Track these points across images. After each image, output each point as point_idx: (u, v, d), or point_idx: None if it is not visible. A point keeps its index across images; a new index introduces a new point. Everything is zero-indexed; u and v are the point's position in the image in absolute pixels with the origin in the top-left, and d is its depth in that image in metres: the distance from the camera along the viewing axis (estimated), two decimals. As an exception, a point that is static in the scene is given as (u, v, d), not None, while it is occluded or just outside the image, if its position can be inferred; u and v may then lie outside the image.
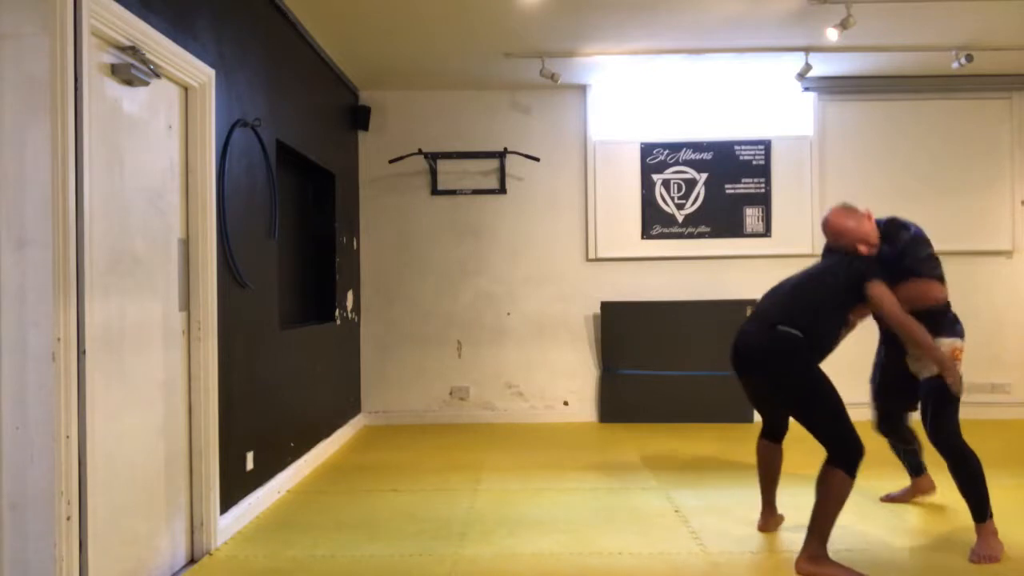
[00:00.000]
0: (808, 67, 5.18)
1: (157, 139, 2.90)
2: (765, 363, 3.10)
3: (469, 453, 4.90)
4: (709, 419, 5.59)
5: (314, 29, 4.59)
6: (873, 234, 3.24)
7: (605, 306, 5.80)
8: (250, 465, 3.63)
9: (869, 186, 5.87)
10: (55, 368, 2.19)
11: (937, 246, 6.09)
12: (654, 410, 5.67)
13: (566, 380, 5.95)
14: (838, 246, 3.28)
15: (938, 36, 4.86)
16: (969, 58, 4.96)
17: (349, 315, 5.62)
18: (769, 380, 3.13)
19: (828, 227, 3.30)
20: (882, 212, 5.89)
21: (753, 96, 5.91)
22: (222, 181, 3.31)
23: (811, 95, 5.88)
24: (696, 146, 5.93)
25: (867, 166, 5.90)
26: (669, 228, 5.92)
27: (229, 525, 3.35)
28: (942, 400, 3.09)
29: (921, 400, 3.20)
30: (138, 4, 2.65)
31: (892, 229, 3.30)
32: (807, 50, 5.06)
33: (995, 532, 3.04)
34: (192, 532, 3.13)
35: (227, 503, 3.36)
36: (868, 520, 3.48)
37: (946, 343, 3.16)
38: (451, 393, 5.97)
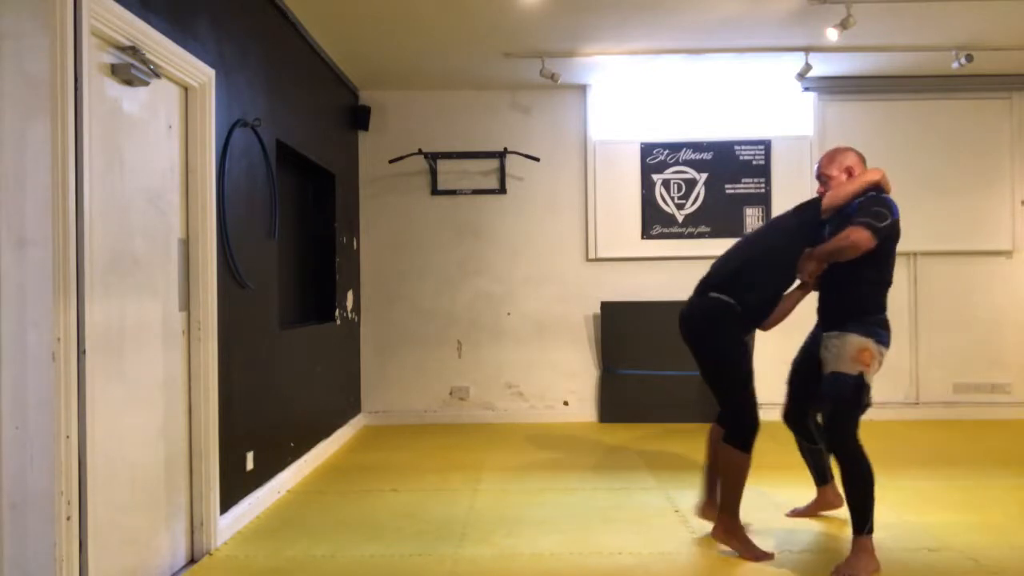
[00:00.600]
0: (808, 67, 5.18)
1: (157, 139, 2.90)
2: (692, 330, 3.14)
3: (469, 453, 4.90)
4: (709, 419, 5.56)
5: (314, 29, 4.59)
6: (837, 190, 3.10)
7: (605, 306, 5.80)
8: (250, 465, 3.63)
9: (869, 186, 5.87)
10: (55, 368, 2.19)
11: (937, 246, 6.08)
12: (654, 410, 5.67)
13: (566, 380, 5.95)
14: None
15: (938, 36, 4.86)
16: (969, 58, 4.96)
17: (349, 315, 5.62)
18: (694, 346, 3.15)
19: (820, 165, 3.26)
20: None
21: (753, 96, 5.91)
22: (222, 181, 3.31)
23: (811, 95, 5.88)
24: (696, 146, 5.93)
25: (867, 166, 5.89)
26: (669, 228, 5.92)
27: (229, 525, 3.35)
28: (846, 399, 2.91)
29: (824, 395, 3.01)
30: (138, 4, 2.65)
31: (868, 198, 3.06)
32: (807, 50, 5.06)
33: (871, 551, 2.86)
34: (192, 532, 3.13)
35: (227, 503, 3.36)
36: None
37: (855, 341, 2.95)
38: (451, 393, 5.97)
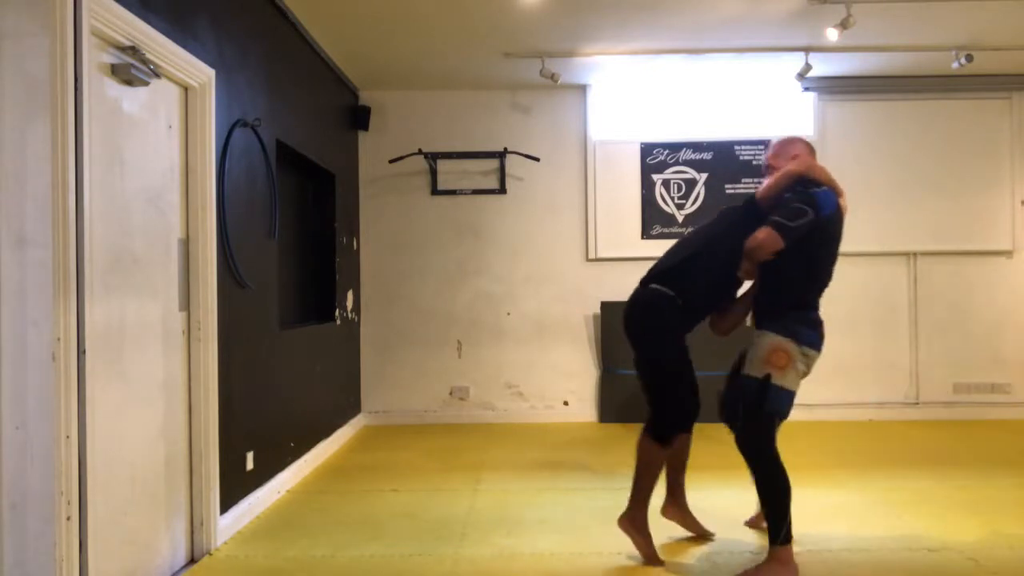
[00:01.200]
0: (808, 67, 5.18)
1: (157, 139, 2.90)
2: (632, 321, 3.06)
3: (469, 453, 4.90)
4: (709, 419, 5.57)
5: (314, 29, 4.59)
6: (767, 184, 3.00)
7: (605, 306, 5.79)
8: (250, 465, 3.63)
9: (869, 186, 5.87)
10: (55, 368, 2.19)
11: (937, 246, 6.07)
12: (654, 410, 5.65)
13: (566, 380, 5.95)
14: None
15: (938, 36, 4.86)
16: (969, 58, 4.96)
17: (349, 315, 5.62)
18: (633, 338, 3.06)
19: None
20: (882, 212, 5.95)
21: (753, 96, 5.91)
22: (222, 181, 3.31)
23: (811, 95, 5.88)
24: (696, 146, 5.93)
25: (867, 166, 5.90)
26: (669, 228, 5.92)
27: (229, 525, 3.35)
28: (748, 403, 2.80)
29: (741, 398, 2.87)
30: (138, 4, 2.65)
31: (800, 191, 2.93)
32: (807, 50, 5.06)
33: (786, 561, 2.75)
34: (192, 532, 3.13)
35: (227, 503, 3.36)
36: (866, 522, 3.48)
37: (769, 341, 2.81)
38: (451, 393, 5.97)
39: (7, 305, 2.18)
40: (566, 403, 5.95)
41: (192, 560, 3.11)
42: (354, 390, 5.80)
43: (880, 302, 5.90)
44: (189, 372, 3.12)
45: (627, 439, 5.26)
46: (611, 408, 5.80)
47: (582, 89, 5.91)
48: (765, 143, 5.91)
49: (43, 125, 2.19)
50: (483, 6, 4.30)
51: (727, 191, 5.91)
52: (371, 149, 5.95)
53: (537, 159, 5.88)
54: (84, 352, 2.31)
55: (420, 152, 5.83)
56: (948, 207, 5.88)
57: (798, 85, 5.74)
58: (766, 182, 3.03)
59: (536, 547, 3.17)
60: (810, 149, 3.14)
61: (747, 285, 3.16)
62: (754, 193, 3.09)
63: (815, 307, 2.93)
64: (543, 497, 3.89)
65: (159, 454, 2.90)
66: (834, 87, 5.81)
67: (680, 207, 5.93)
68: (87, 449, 2.31)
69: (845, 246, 6.22)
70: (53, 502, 2.19)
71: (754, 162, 5.92)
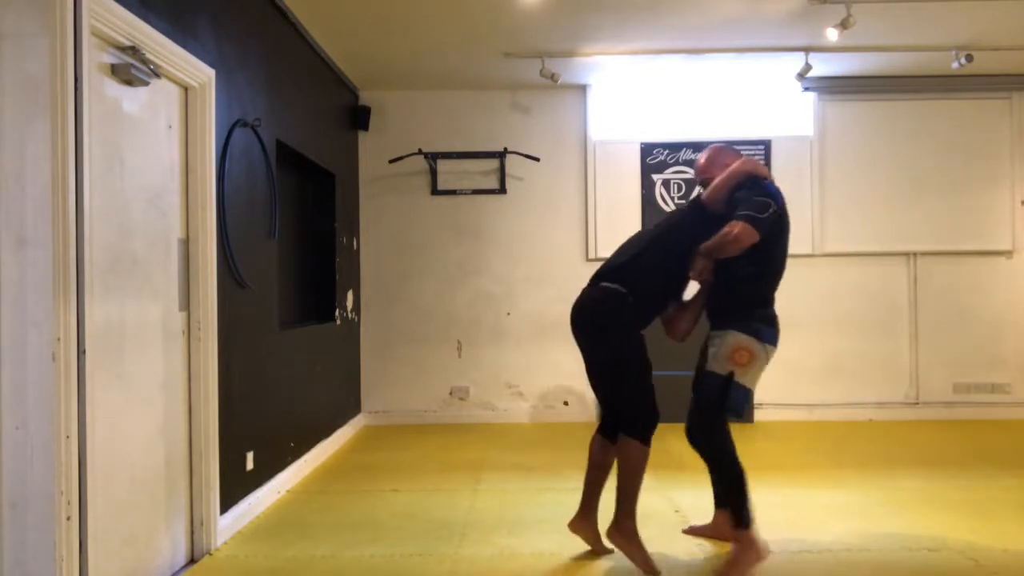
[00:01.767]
0: (808, 67, 5.18)
1: (157, 139, 2.90)
2: (585, 321, 2.96)
3: (469, 453, 4.90)
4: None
5: (314, 29, 4.59)
6: (715, 184, 2.97)
7: (605, 306, 5.79)
8: (250, 465, 3.63)
9: (869, 186, 5.88)
10: (55, 368, 2.19)
11: (937, 246, 6.07)
12: (654, 410, 5.65)
13: (566, 380, 5.95)
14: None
15: (938, 36, 4.86)
16: (969, 58, 4.96)
17: (349, 315, 5.62)
18: (586, 337, 2.97)
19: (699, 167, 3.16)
20: (882, 212, 5.94)
21: (753, 96, 5.91)
22: (222, 181, 3.31)
23: (811, 95, 5.88)
24: (696, 146, 5.93)
25: (867, 166, 5.91)
26: (669, 228, 5.91)
27: (229, 525, 3.35)
28: (710, 400, 2.84)
29: (700, 393, 2.93)
30: (138, 4, 2.65)
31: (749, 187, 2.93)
32: (807, 50, 5.06)
33: (751, 541, 2.82)
34: (192, 532, 3.13)
35: (227, 503, 3.36)
36: (866, 522, 3.48)
37: (733, 339, 2.84)
38: (451, 393, 5.97)
39: (7, 305, 2.18)
40: (566, 403, 5.95)
41: (192, 560, 3.11)
42: (354, 390, 5.80)
43: (880, 302, 5.90)
44: (189, 372, 3.12)
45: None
46: (611, 408, 5.80)
47: (582, 89, 5.91)
48: (765, 143, 5.91)
49: (43, 125, 2.19)
50: (483, 6, 4.30)
51: (727, 191, 5.91)
52: (371, 149, 5.95)
53: (537, 159, 5.88)
54: (84, 352, 2.31)
55: (420, 152, 5.83)
56: (948, 207, 5.88)
57: (798, 85, 5.74)
58: (713, 185, 2.99)
59: (536, 547, 3.17)
60: (739, 155, 3.14)
61: (692, 288, 3.11)
62: (699, 195, 3.08)
63: (772, 303, 2.96)
64: (543, 497, 3.89)
65: (159, 454, 2.90)
66: (834, 87, 5.81)
67: (680, 207, 5.92)
68: (87, 449, 2.31)
69: (845, 246, 6.24)
70: (53, 502, 2.19)
71: (754, 162, 5.92)
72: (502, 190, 5.95)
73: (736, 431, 3.03)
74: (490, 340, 5.96)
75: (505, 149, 5.89)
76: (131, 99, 2.72)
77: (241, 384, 3.53)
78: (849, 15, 4.22)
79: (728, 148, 3.19)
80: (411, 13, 4.38)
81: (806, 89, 5.81)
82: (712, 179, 3.04)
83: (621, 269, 2.97)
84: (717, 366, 2.87)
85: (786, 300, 5.73)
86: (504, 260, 5.97)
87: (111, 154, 2.59)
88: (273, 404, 3.97)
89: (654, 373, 2.97)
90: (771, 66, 5.42)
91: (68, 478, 2.22)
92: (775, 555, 3.03)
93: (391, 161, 5.85)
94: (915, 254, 5.88)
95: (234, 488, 3.44)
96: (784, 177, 5.90)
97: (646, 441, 2.88)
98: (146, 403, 2.81)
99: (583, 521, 3.08)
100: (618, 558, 3.03)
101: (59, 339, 2.20)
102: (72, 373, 2.25)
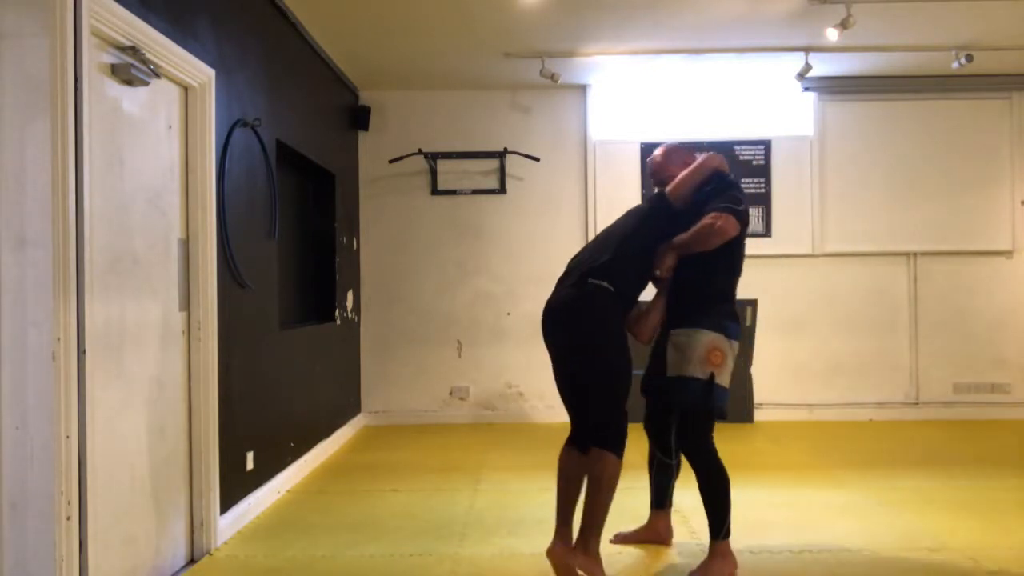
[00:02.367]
0: (808, 67, 5.18)
1: (157, 139, 2.90)
2: (569, 321, 2.79)
3: (469, 453, 4.90)
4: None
5: (314, 29, 4.59)
6: (680, 179, 2.90)
7: (605, 306, 5.78)
8: (250, 465, 3.63)
9: (869, 186, 5.88)
10: (55, 368, 2.19)
11: (937, 246, 6.08)
12: (654, 410, 5.65)
13: (566, 380, 5.94)
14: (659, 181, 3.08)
15: (938, 36, 4.86)
16: (969, 58, 4.96)
17: (349, 315, 5.62)
18: (570, 340, 2.80)
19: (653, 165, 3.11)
20: (882, 212, 5.94)
21: (753, 96, 5.91)
22: (222, 181, 3.31)
23: (811, 95, 5.88)
24: (696, 146, 5.88)
25: (867, 166, 5.90)
26: (669, 228, 5.91)
27: (229, 525, 3.35)
28: (696, 406, 2.77)
29: (671, 403, 2.87)
30: (138, 4, 2.65)
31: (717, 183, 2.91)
32: (807, 50, 5.06)
33: (727, 553, 2.81)
34: (192, 532, 3.13)
35: (227, 503, 3.36)
36: (866, 522, 3.48)
37: (705, 339, 2.77)
38: (451, 393, 5.97)
39: (7, 305, 2.18)
40: (566, 403, 5.94)
41: (192, 560, 3.11)
42: (354, 390, 5.80)
43: (880, 302, 5.90)
44: (189, 372, 3.12)
45: (627, 439, 5.26)
46: (611, 408, 5.79)
47: (582, 89, 5.91)
48: (765, 143, 5.91)
49: (43, 125, 2.19)
50: (483, 6, 4.30)
51: (727, 191, 5.91)
52: (371, 149, 5.95)
53: (537, 159, 5.88)
54: (84, 352, 2.31)
55: (420, 152, 5.83)
56: (948, 207, 5.88)
57: (798, 85, 5.74)
58: (679, 180, 2.91)
59: (536, 547, 3.16)
60: (692, 154, 3.10)
61: (649, 289, 3.03)
62: (661, 192, 3.00)
63: (735, 298, 2.94)
64: (543, 497, 3.88)
65: (159, 454, 2.90)
66: (834, 87, 5.81)
67: (638, 205, 5.91)
68: (87, 449, 2.31)
69: (845, 246, 6.25)
70: (53, 502, 2.18)
71: (754, 162, 5.92)
72: (502, 190, 5.95)
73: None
74: (490, 340, 5.96)
75: (505, 149, 5.89)
76: (131, 99, 2.72)
77: (241, 384, 3.53)
78: (849, 15, 4.22)
79: (683, 147, 3.15)
80: (411, 13, 4.38)
81: (806, 89, 5.81)
82: (670, 177, 2.97)
83: (606, 267, 2.80)
84: (695, 370, 2.76)
85: (786, 300, 5.80)
86: (504, 260, 5.97)
87: (111, 154, 2.59)
88: (273, 404, 3.97)
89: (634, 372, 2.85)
90: (771, 66, 5.42)
91: (68, 478, 2.22)
92: (776, 555, 3.03)
93: (391, 161, 5.85)
94: (915, 254, 5.88)
95: (234, 488, 3.44)
96: (784, 177, 5.93)
97: (621, 455, 2.71)
98: (146, 403, 2.80)
99: (565, 546, 2.77)
100: (619, 557, 3.03)
101: (59, 339, 2.20)
102: (72, 373, 2.25)
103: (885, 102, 5.89)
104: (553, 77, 5.23)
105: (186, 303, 3.10)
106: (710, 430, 2.85)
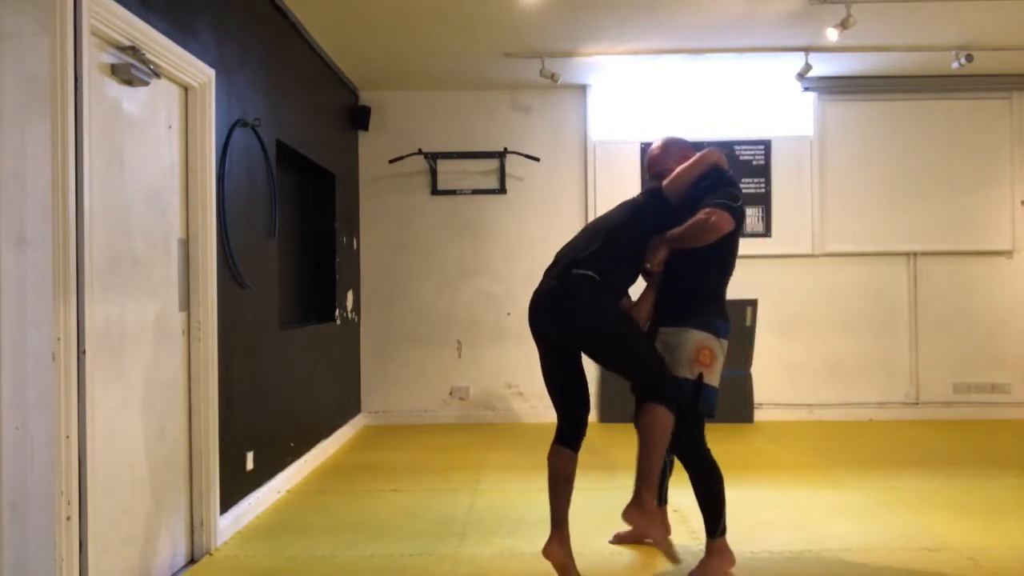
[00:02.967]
0: (808, 67, 5.18)
1: (157, 139, 2.90)
2: (554, 313, 2.78)
3: (469, 453, 4.90)
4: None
5: (314, 29, 4.59)
6: (678, 173, 2.86)
7: (605, 306, 5.78)
8: (250, 465, 3.63)
9: (869, 186, 5.88)
10: (55, 368, 2.19)
11: (937, 246, 6.09)
12: (654, 410, 5.65)
13: (566, 380, 5.94)
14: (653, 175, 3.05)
15: (938, 36, 4.86)
16: (969, 58, 4.96)
17: (349, 315, 5.62)
18: (568, 328, 2.80)
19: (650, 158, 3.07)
20: (882, 212, 5.94)
21: (753, 96, 5.91)
22: (222, 181, 3.31)
23: (811, 95, 5.88)
24: (696, 146, 5.89)
25: (867, 166, 5.90)
26: (669, 228, 5.91)
27: (229, 525, 3.35)
28: (686, 406, 2.74)
29: (668, 400, 2.76)
30: (138, 4, 2.65)
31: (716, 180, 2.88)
32: (807, 50, 5.06)
33: (724, 550, 2.83)
34: (192, 532, 3.13)
35: (227, 503, 3.36)
36: (866, 522, 3.48)
37: (695, 338, 2.75)
38: (451, 393, 5.97)
39: (7, 305, 2.18)
40: (566, 403, 5.94)
41: (192, 560, 3.11)
42: (354, 390, 5.80)
43: (880, 302, 5.90)
44: (189, 372, 3.12)
45: (627, 439, 5.25)
46: (611, 408, 5.79)
47: (582, 89, 5.91)
48: (765, 143, 5.91)
49: (43, 125, 2.19)
50: (483, 6, 4.30)
51: (727, 191, 5.91)
52: (371, 149, 5.95)
53: (537, 159, 5.88)
54: (84, 352, 2.31)
55: (420, 152, 5.83)
56: (948, 207, 5.88)
57: (798, 85, 5.74)
58: (676, 174, 2.86)
59: (536, 547, 3.15)
60: (691, 147, 3.05)
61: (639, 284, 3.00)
62: (649, 188, 2.98)
63: (725, 296, 2.91)
64: (543, 497, 3.85)
65: (159, 454, 2.90)
66: (834, 87, 5.81)
67: (632, 198, 5.91)
68: (87, 449, 2.31)
69: (845, 246, 6.26)
70: (53, 502, 2.18)
71: (754, 162, 5.92)
72: (502, 190, 5.95)
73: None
74: (490, 340, 5.96)
75: (505, 149, 5.89)
76: (131, 99, 2.72)
77: (241, 384, 3.53)
78: (849, 15, 4.22)
79: (682, 140, 3.11)
80: (411, 13, 4.38)
81: (806, 89, 5.81)
82: (667, 171, 2.93)
83: (592, 258, 2.76)
84: (683, 370, 2.75)
85: (786, 300, 5.80)
86: (504, 260, 5.97)
87: (111, 154, 2.59)
88: (273, 404, 3.97)
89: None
90: (771, 66, 5.42)
91: (68, 478, 2.22)
92: (776, 555, 3.03)
93: (391, 161, 5.85)
94: (915, 254, 5.88)
95: (234, 488, 3.44)
96: (784, 177, 5.93)
97: (671, 406, 2.68)
98: (146, 403, 2.80)
99: (561, 544, 2.77)
100: (619, 557, 3.03)
101: (59, 339, 2.20)
102: (72, 373, 2.25)
103: (885, 102, 5.89)
104: (553, 77, 5.23)
105: (186, 303, 3.10)
106: (701, 429, 2.83)
